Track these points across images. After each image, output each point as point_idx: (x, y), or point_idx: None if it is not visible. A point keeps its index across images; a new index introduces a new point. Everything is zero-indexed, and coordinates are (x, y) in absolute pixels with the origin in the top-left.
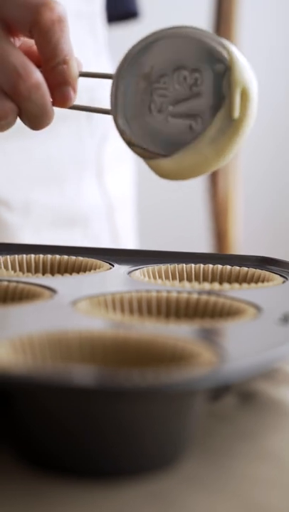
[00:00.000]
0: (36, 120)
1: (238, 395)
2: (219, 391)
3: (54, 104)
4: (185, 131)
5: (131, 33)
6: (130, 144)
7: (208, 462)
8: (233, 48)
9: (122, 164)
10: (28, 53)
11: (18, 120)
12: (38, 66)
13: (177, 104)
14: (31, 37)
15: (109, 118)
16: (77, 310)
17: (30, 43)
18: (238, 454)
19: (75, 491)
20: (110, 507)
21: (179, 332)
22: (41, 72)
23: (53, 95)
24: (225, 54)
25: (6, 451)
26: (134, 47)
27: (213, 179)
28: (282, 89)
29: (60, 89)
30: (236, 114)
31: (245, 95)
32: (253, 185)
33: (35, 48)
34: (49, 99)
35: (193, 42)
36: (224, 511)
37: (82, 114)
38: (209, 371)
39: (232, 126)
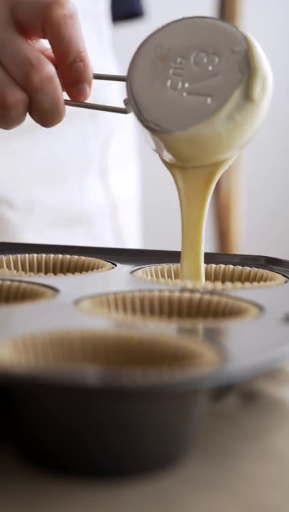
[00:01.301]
0: (47, 115)
1: (241, 394)
2: (221, 391)
3: (69, 97)
4: (201, 107)
5: (135, 33)
6: (144, 119)
7: (211, 462)
8: (251, 36)
9: (127, 165)
10: None
11: None
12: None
13: (194, 82)
14: (45, 36)
15: (114, 117)
16: (79, 309)
17: (44, 48)
18: (240, 453)
19: (77, 490)
20: (112, 506)
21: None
22: (57, 73)
23: (68, 92)
24: (244, 38)
25: (8, 451)
26: (150, 35)
27: None
28: (285, 87)
29: (77, 87)
30: (256, 92)
31: (262, 79)
32: (255, 184)
33: (48, 52)
34: (61, 95)
35: (212, 27)
36: (226, 511)
37: (86, 112)
38: (212, 371)
39: (248, 107)
